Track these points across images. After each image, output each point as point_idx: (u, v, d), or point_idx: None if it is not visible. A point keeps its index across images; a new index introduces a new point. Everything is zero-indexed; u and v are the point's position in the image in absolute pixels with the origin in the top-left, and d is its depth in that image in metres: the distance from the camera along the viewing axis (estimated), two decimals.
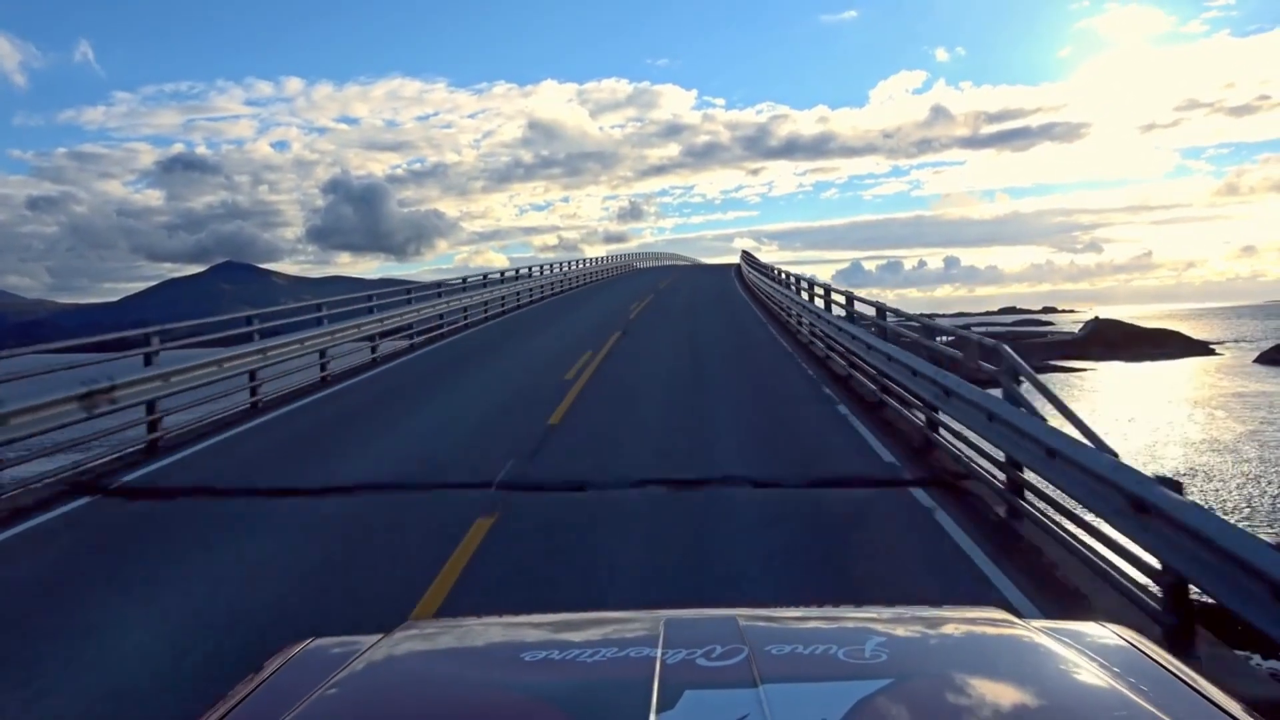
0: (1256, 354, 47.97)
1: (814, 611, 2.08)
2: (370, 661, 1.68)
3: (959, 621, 1.96)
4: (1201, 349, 54.70)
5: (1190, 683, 1.51)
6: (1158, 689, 1.45)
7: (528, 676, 1.58)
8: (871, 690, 1.38)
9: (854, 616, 2.02)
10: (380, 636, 1.82)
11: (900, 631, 1.84)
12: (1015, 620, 1.85)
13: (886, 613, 1.98)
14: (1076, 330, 66.01)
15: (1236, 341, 63.85)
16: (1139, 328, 58.69)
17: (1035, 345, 51.77)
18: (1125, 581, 5.79)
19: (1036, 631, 1.72)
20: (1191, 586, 5.06)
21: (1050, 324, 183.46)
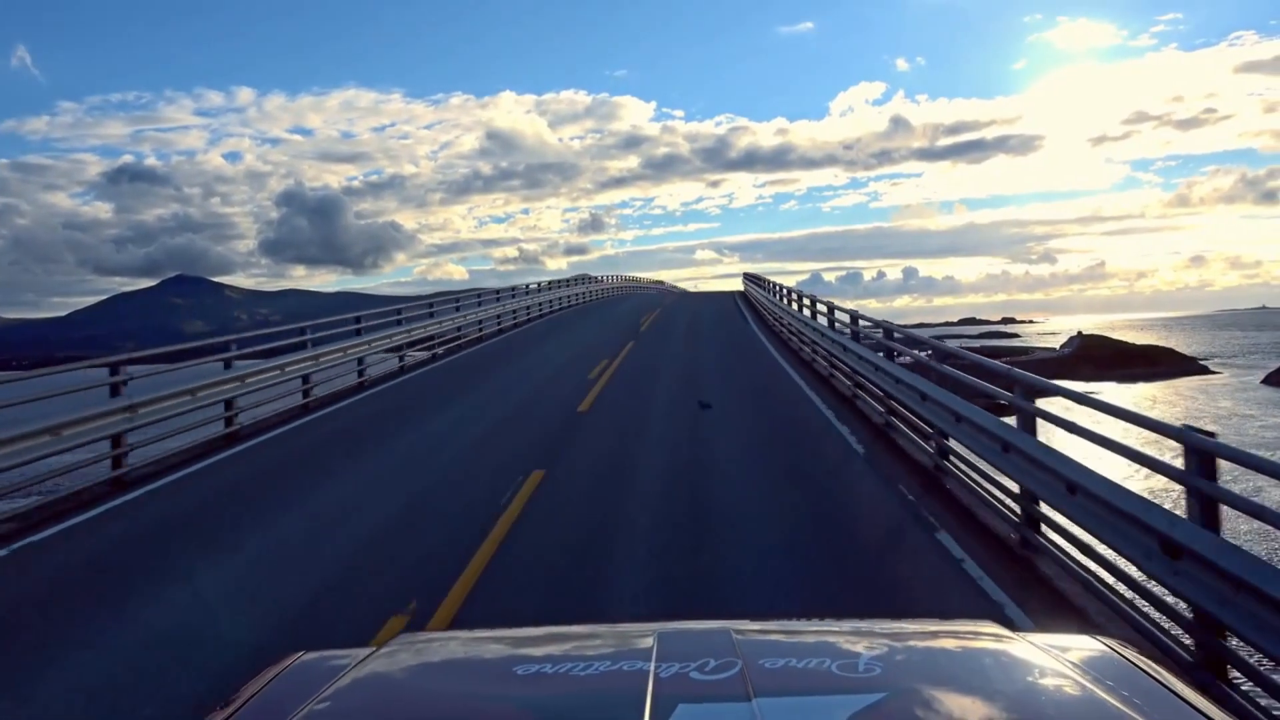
0: (1263, 375, 45.25)
1: (808, 625, 2.10)
2: (359, 676, 1.65)
3: (953, 635, 1.94)
4: (1195, 368, 52.14)
5: (1183, 696, 1.50)
6: (1150, 702, 1.45)
7: (520, 690, 1.57)
8: (865, 704, 1.38)
9: (848, 629, 1.97)
10: (370, 650, 1.80)
11: (894, 645, 1.81)
12: (1009, 633, 1.82)
13: (880, 626, 1.95)
14: (1057, 347, 63.59)
15: (1221, 358, 61.59)
16: (1129, 345, 56.19)
17: (1021, 365, 49.18)
18: None
19: (1030, 645, 1.71)
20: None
21: (1016, 335, 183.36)
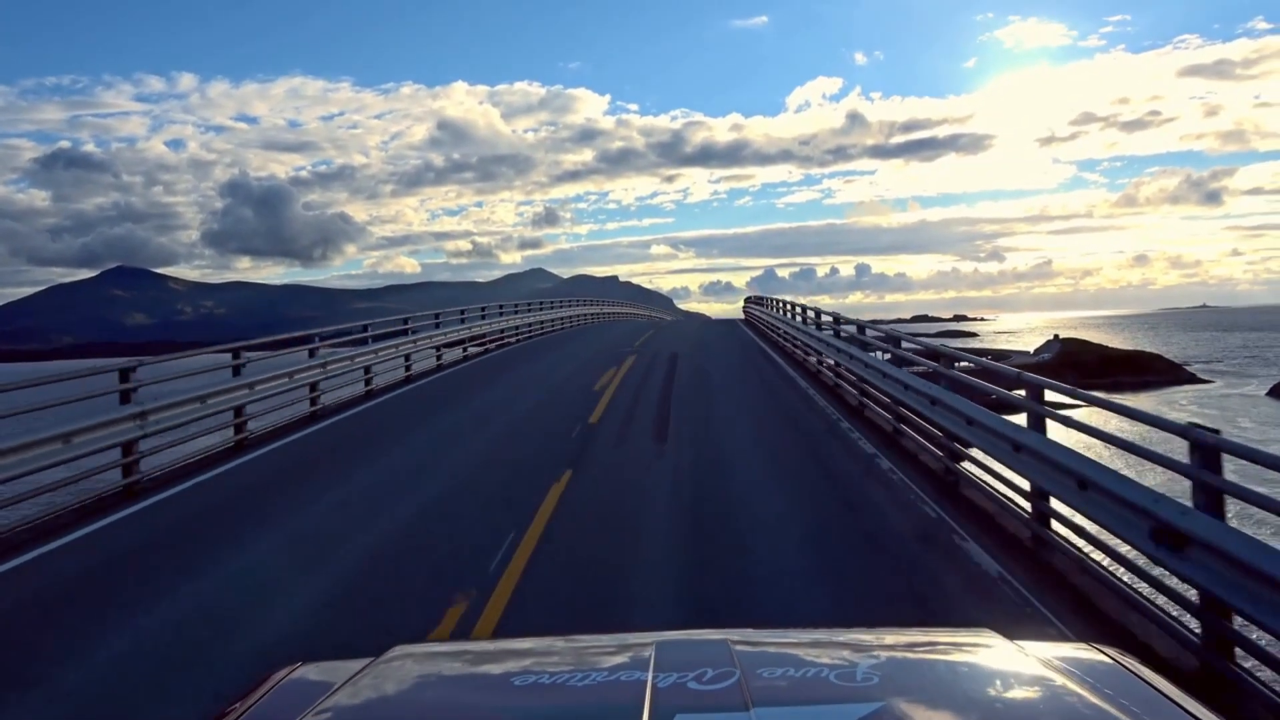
0: (1265, 387, 42.10)
1: (805, 634, 2.07)
2: (356, 687, 1.64)
3: (950, 644, 1.95)
4: (1184, 376, 49.11)
5: (1182, 704, 1.49)
6: (1150, 711, 1.44)
7: (518, 701, 1.57)
8: (863, 713, 1.37)
9: (845, 639, 1.97)
10: (368, 661, 1.78)
11: (891, 654, 1.80)
12: (1006, 642, 1.80)
13: (877, 635, 1.96)
14: (1031, 351, 60.59)
15: (1202, 363, 58.97)
16: (1114, 350, 53.10)
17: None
18: None
19: (1027, 654, 1.70)
20: None
21: (974, 334, 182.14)
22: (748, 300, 41.01)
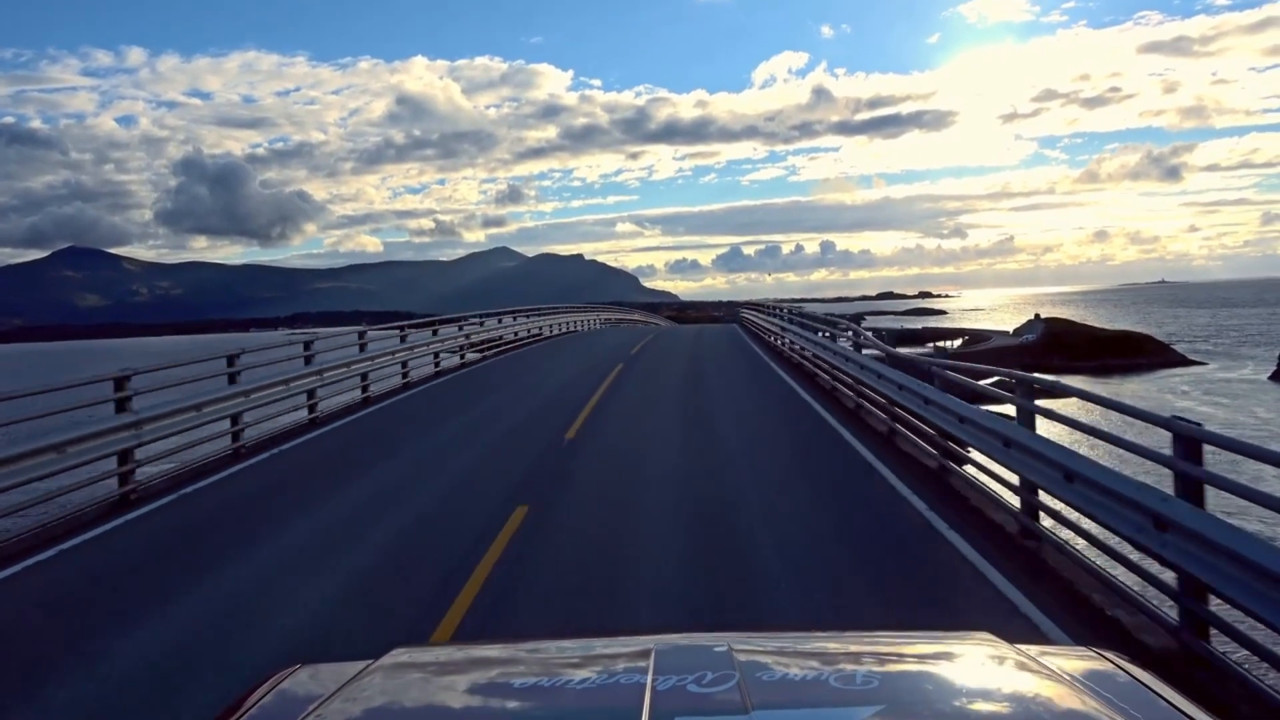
0: (1268, 370, 40.28)
1: (805, 637, 2.05)
2: (356, 690, 1.62)
3: (949, 647, 1.90)
4: (1175, 357, 47.32)
5: (1180, 707, 1.48)
6: (1147, 715, 1.43)
7: (517, 703, 1.56)
8: (863, 716, 1.36)
9: (845, 642, 1.96)
10: (367, 664, 1.76)
11: (891, 657, 1.79)
12: (1005, 645, 1.77)
13: (877, 638, 1.98)
14: (1011, 330, 58.83)
15: (1185, 343, 57.39)
16: (1102, 331, 51.27)
17: (986, 355, 43.56)
18: None
19: (1026, 657, 1.68)
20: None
21: (942, 311, 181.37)
22: (745, 306, 39.67)
